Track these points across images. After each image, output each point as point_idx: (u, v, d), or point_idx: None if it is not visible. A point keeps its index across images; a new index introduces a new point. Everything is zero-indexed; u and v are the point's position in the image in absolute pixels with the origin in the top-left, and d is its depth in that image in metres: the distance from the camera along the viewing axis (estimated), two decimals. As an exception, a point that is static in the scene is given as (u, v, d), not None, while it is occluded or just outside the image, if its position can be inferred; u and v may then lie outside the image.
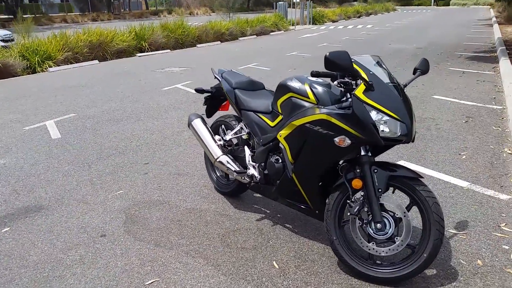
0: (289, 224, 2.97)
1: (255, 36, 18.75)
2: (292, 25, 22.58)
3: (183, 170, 4.05)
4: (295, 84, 2.52)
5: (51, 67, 11.03)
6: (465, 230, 2.80)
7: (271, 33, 20.02)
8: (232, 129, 3.23)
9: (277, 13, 22.73)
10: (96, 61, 12.31)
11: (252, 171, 2.93)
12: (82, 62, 11.96)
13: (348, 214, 2.32)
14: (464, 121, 5.24)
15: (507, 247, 2.58)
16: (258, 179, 2.88)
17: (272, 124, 2.77)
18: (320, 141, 2.32)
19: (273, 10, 24.86)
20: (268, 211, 3.18)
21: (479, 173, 3.70)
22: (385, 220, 2.27)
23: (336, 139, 2.19)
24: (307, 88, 2.45)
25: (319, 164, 2.39)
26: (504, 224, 2.85)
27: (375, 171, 2.25)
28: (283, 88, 2.60)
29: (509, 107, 5.56)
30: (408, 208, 2.28)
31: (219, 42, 16.61)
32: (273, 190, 2.76)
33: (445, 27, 20.05)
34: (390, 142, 2.17)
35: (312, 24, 24.95)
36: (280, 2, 23.79)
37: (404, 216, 2.24)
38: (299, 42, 15.51)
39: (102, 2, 40.27)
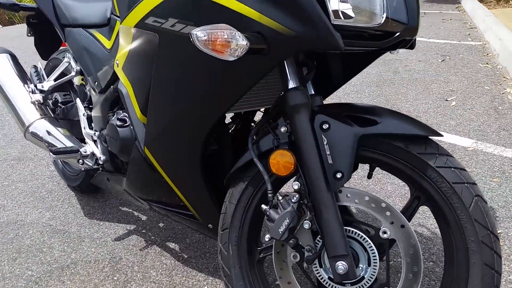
0: (175, 243, 1.58)
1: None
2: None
3: (32, 151, 2.54)
4: None
5: None
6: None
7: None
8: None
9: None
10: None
11: (91, 146, 1.49)
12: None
13: (267, 238, 0.95)
14: (440, 60, 4.00)
15: None
16: (102, 161, 1.45)
17: (109, 45, 1.32)
18: (181, 56, 0.91)
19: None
20: (143, 218, 1.78)
21: (482, 124, 2.44)
22: (356, 247, 0.92)
23: (199, 34, 0.75)
24: None
25: (190, 117, 0.99)
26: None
27: (325, 127, 0.88)
28: None
29: (491, 42, 4.39)
30: (410, 212, 0.94)
31: None
32: (124, 185, 1.34)
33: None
34: (363, 42, 0.80)
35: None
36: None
37: (404, 234, 0.89)
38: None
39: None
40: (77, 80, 1.55)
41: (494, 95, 2.92)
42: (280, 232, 0.90)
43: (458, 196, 0.85)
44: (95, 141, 1.49)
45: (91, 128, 1.51)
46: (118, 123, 1.25)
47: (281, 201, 0.91)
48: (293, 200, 0.90)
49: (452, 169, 0.86)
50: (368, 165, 0.96)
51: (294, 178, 0.93)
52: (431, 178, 0.87)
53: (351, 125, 0.86)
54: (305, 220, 0.91)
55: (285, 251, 0.98)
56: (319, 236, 0.90)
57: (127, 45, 1.09)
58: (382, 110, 0.91)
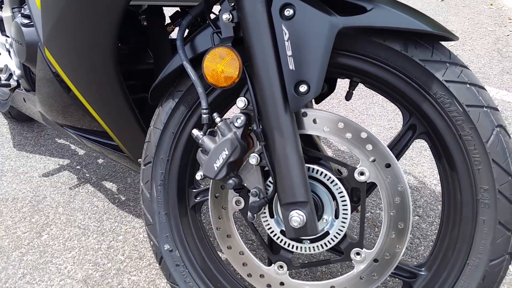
0: (113, 183, 1.32)
1: None
2: None
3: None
4: None
5: None
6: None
7: None
8: None
9: None
10: None
11: (5, 57, 1.18)
12: None
13: (199, 176, 0.68)
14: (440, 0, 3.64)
15: None
16: (17, 76, 1.15)
17: None
18: None
19: None
20: (80, 152, 1.50)
21: (483, 66, 2.17)
22: (321, 192, 0.67)
23: None
24: None
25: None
26: None
27: (288, 13, 0.58)
28: None
29: (497, -17, 4.02)
30: (400, 147, 0.68)
31: None
32: (38, 105, 1.05)
33: None
34: None
35: None
36: None
37: (389, 177, 0.63)
38: None
39: None
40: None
41: (498, 36, 2.62)
42: (216, 168, 0.63)
43: (472, 125, 0.58)
44: (9, 51, 1.17)
45: (4, 34, 1.19)
46: (24, 21, 0.94)
47: (220, 124, 0.63)
48: (236, 124, 0.63)
49: (468, 85, 0.59)
50: (348, 80, 0.68)
51: (240, 86, 0.65)
52: (435, 97, 0.60)
53: (327, 12, 0.57)
54: (253, 153, 0.64)
55: (225, 195, 0.71)
56: (272, 174, 0.64)
57: None
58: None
